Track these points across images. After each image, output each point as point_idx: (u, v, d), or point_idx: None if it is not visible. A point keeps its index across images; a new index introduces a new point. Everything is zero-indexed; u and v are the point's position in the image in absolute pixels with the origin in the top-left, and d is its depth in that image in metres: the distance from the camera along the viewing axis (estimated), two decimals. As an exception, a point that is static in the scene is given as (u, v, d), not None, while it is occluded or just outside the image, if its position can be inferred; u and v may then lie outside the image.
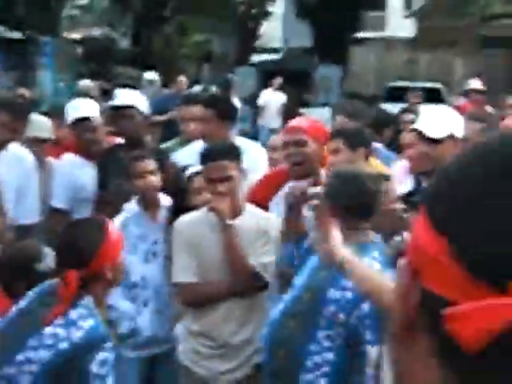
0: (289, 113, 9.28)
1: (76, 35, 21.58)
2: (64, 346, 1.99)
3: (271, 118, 11.61)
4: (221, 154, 2.79)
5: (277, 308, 2.38)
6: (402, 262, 0.56)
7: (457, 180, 0.54)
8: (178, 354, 2.92)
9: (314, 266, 2.33)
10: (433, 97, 10.88)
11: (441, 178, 0.55)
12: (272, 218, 2.90)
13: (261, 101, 12.25)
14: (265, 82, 13.17)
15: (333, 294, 2.23)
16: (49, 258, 2.58)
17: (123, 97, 3.65)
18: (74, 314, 2.04)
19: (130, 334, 3.04)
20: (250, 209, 2.88)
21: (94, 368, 1.98)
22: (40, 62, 14.86)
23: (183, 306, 2.94)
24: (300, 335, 2.24)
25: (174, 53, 20.59)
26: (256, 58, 19.82)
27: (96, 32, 22.91)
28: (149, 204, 3.12)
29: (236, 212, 2.82)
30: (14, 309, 2.18)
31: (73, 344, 1.99)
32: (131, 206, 3.13)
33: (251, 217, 2.83)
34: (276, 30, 23.69)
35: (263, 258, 2.77)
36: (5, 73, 12.54)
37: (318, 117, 4.36)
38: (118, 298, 2.90)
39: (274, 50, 21.37)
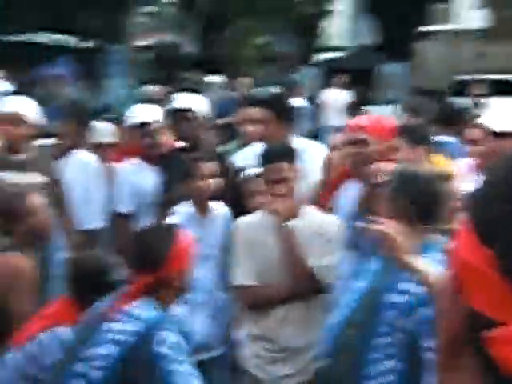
0: (354, 111, 9.16)
1: (145, 42, 22.09)
2: (129, 339, 2.03)
3: (335, 117, 11.48)
4: (278, 155, 2.77)
5: (336, 312, 2.32)
6: (446, 273, 0.52)
7: (506, 194, 0.50)
8: (238, 358, 2.90)
9: (375, 268, 2.26)
10: (505, 90, 10.49)
11: (489, 191, 0.51)
12: (331, 219, 2.85)
13: (324, 100, 12.14)
14: (329, 80, 13.05)
15: (392, 298, 2.16)
16: (119, 267, 2.62)
17: (182, 100, 3.69)
18: (136, 309, 2.08)
19: (187, 338, 3.04)
20: (309, 210, 2.84)
21: (159, 348, 2.01)
22: (109, 70, 15.26)
23: (243, 310, 2.92)
24: (361, 342, 2.18)
25: (239, 56, 20.74)
26: (320, 57, 19.72)
27: (164, 38, 23.38)
28: (203, 206, 3.12)
29: (294, 213, 2.78)
30: (84, 317, 2.23)
31: (137, 336, 2.03)
32: (184, 209, 3.14)
33: (309, 218, 2.79)
34: (341, 27, 23.51)
35: (322, 259, 2.72)
36: (74, 82, 12.93)
37: (382, 114, 4.26)
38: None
39: (339, 49, 21.18)
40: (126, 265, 2.23)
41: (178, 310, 2.98)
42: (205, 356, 3.08)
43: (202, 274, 3.03)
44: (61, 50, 14.51)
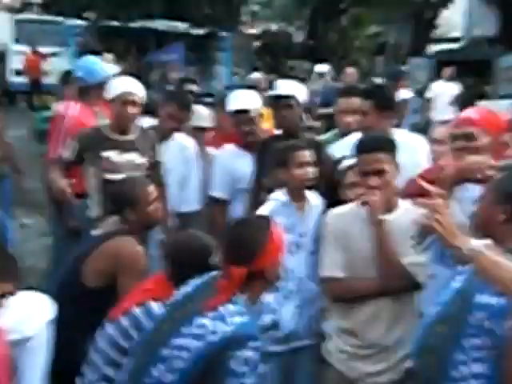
0: (464, 104, 8.77)
1: (255, 30, 22.28)
2: (213, 338, 2.03)
3: (442, 110, 11.06)
4: (375, 146, 2.67)
5: (430, 311, 2.22)
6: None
7: None
8: (323, 351, 2.85)
9: (470, 268, 2.13)
10: None
11: None
12: None
13: (431, 92, 11.71)
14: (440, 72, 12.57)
15: (482, 299, 2.04)
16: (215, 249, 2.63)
17: (283, 87, 3.64)
18: (224, 309, 2.08)
19: (271, 327, 3.02)
20: (404, 205, 2.73)
21: (233, 364, 2.00)
22: (218, 57, 15.50)
23: (330, 302, 2.86)
24: (448, 342, 2.08)
25: (348, 45, 20.44)
26: (433, 48, 19.05)
27: (273, 27, 23.45)
28: (298, 195, 3.08)
29: (389, 207, 2.69)
30: (178, 293, 2.26)
31: (221, 338, 2.03)
32: (279, 196, 3.10)
33: (405, 213, 2.68)
34: (457, 18, 22.60)
35: (416, 256, 2.61)
36: (185, 67, 13.23)
37: (496, 109, 4.03)
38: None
39: (454, 40, 20.38)
40: (220, 255, 2.23)
41: (269, 297, 2.99)
42: (294, 346, 3.06)
43: (294, 263, 3.00)
44: (174, 36, 14.89)
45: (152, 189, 3.05)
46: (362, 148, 2.70)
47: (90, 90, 4.16)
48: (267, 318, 3.01)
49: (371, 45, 21.04)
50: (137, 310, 2.54)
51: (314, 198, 3.11)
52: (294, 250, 3.03)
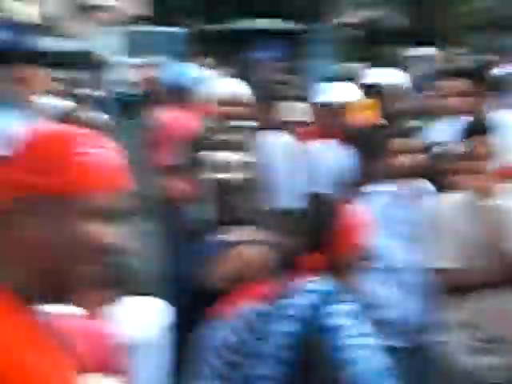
0: None
1: (350, 19, 21.91)
2: (304, 313, 2.00)
3: None
4: (472, 131, 2.56)
5: None
6: None
7: None
8: (442, 345, 2.75)
9: None
10: None
11: None
12: None
13: None
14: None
15: None
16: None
17: (372, 75, 3.57)
18: (310, 284, 2.04)
19: (394, 322, 2.94)
20: (509, 188, 2.59)
21: (335, 320, 1.94)
22: (314, 51, 15.38)
23: (447, 294, 2.76)
24: None
25: (455, 24, 19.61)
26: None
27: (370, 14, 22.96)
28: (404, 184, 2.99)
29: (492, 192, 2.55)
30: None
31: (312, 309, 1.99)
32: (385, 187, 3.03)
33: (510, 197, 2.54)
34: None
35: None
36: (282, 64, 13.23)
37: None
38: (380, 284, 2.82)
39: None
40: (300, 242, 2.18)
41: (391, 291, 2.93)
42: (414, 341, 2.98)
43: (413, 255, 2.93)
44: (275, 34, 14.97)
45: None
46: (471, 130, 2.59)
47: (183, 95, 4.24)
48: (388, 313, 2.93)
49: (481, 20, 20.06)
50: (245, 310, 2.55)
51: (422, 185, 3.02)
52: (413, 241, 2.96)
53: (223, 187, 3.46)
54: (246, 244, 2.85)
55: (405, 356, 2.96)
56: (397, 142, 2.98)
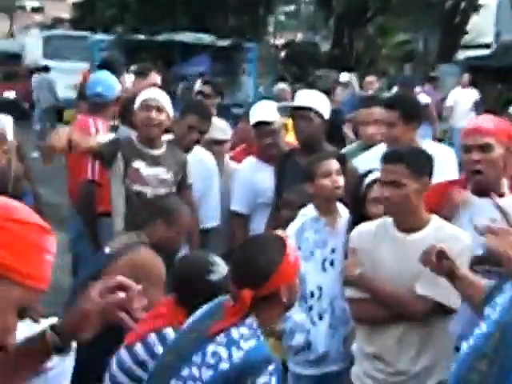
0: (486, 111, 8.60)
1: (281, 40, 22.25)
2: (224, 366, 1.91)
3: (462, 118, 11.01)
4: (394, 157, 2.52)
5: (467, 343, 2.02)
6: None
7: None
8: (351, 375, 2.72)
9: (509, 296, 1.98)
10: None
11: None
12: (460, 234, 2.54)
13: (449, 100, 11.65)
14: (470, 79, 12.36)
15: None
16: (221, 267, 2.55)
17: (303, 98, 3.53)
18: (235, 333, 1.95)
19: (303, 348, 2.90)
20: (436, 221, 2.58)
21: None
22: (244, 68, 15.46)
23: (356, 324, 2.74)
24: (495, 378, 1.89)
25: (375, 54, 20.25)
26: (463, 54, 18.77)
27: (299, 36, 23.41)
28: (328, 209, 2.97)
29: (419, 222, 2.55)
30: (187, 323, 2.16)
31: (233, 365, 1.90)
32: (308, 211, 3.00)
33: (435, 231, 2.54)
34: (488, 23, 22.28)
35: (442, 278, 2.47)
36: (211, 79, 13.19)
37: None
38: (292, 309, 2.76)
39: (484, 46, 20.05)
40: (231, 275, 2.09)
41: (301, 317, 2.88)
42: (326, 369, 2.93)
43: (327, 280, 2.90)
44: (199, 48, 14.91)
45: (189, 217, 2.95)
46: (384, 158, 2.56)
47: (106, 106, 4.09)
48: (299, 339, 2.89)
49: (399, 53, 20.82)
50: (152, 337, 2.44)
51: (343, 211, 3.00)
52: (328, 266, 2.92)
53: (136, 200, 3.35)
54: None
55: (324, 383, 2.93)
56: (321, 164, 2.95)
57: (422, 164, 2.53)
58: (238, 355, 1.91)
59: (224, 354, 1.92)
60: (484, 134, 2.63)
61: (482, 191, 2.66)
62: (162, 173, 3.49)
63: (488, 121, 2.70)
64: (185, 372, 1.96)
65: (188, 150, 3.71)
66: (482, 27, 21.91)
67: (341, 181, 2.95)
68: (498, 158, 2.64)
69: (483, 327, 1.98)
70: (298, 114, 3.46)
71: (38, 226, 1.27)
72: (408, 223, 2.54)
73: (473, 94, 11.71)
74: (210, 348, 1.94)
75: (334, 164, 2.97)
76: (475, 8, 20.74)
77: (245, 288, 1.96)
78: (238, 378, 1.89)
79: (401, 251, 2.54)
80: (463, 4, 20.34)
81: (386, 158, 2.55)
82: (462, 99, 11.63)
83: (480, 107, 11.01)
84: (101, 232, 3.74)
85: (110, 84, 4.19)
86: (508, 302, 1.95)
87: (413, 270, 2.49)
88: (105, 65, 4.87)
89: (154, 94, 3.56)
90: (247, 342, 1.93)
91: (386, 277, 2.55)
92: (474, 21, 21.27)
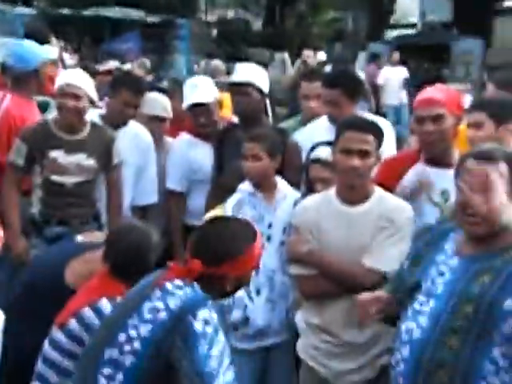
0: (419, 86, 8.80)
1: (211, 17, 21.98)
2: (162, 315, 1.89)
3: (392, 95, 11.26)
4: (366, 126, 2.49)
5: (415, 323, 1.99)
6: None
7: None
8: (296, 347, 2.71)
9: (463, 270, 1.96)
10: None
11: None
12: (404, 206, 2.56)
13: (380, 79, 11.88)
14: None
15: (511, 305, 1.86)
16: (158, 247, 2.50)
17: (241, 73, 3.43)
18: (169, 285, 1.95)
19: (242, 324, 2.87)
20: (380, 193, 2.58)
21: (198, 326, 1.86)
22: (176, 45, 15.20)
23: (302, 298, 2.72)
24: (470, 353, 1.88)
25: (306, 32, 20.33)
26: (391, 34, 19.10)
27: (230, 14, 23.20)
28: (265, 185, 2.92)
29: (364, 195, 2.54)
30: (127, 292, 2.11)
31: (171, 312, 1.89)
32: (245, 186, 2.94)
33: (379, 203, 2.54)
34: (413, 4, 22.82)
35: (388, 249, 2.47)
36: (142, 56, 12.91)
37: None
38: None
39: (411, 26, 20.48)
40: (189, 247, 2.04)
41: (239, 292, 2.83)
42: (266, 343, 2.92)
43: (264, 255, 2.83)
44: (130, 24, 14.56)
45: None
46: (350, 126, 2.50)
47: (25, 80, 3.74)
48: (237, 314, 2.86)
49: (329, 31, 20.99)
50: (86, 312, 2.35)
51: (285, 187, 2.97)
52: (264, 241, 2.88)
53: (57, 190, 3.22)
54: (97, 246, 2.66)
55: (257, 359, 2.91)
56: (246, 145, 2.90)
57: (380, 136, 2.52)
58: (174, 303, 1.90)
59: (161, 306, 1.91)
60: (436, 105, 2.63)
61: (435, 161, 2.68)
62: (83, 159, 3.34)
63: (439, 91, 2.70)
64: (121, 337, 1.91)
65: (119, 126, 3.57)
66: (407, 8, 22.39)
67: (251, 166, 2.89)
68: (449, 128, 2.64)
69: (431, 303, 1.97)
70: (237, 89, 3.37)
71: None
72: (355, 195, 2.53)
73: (402, 72, 11.97)
74: (146, 306, 1.92)
75: (249, 147, 2.90)
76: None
77: (197, 259, 1.95)
78: (177, 323, 1.87)
79: (347, 225, 2.53)
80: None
81: (354, 126, 2.49)
82: (392, 77, 11.87)
83: (409, 84, 11.30)
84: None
85: (21, 55, 3.77)
86: (463, 276, 1.94)
87: (360, 243, 2.50)
88: (27, 36, 4.53)
89: (70, 79, 3.36)
90: (182, 290, 1.93)
91: (333, 251, 2.54)
92: (400, 1, 21.70)
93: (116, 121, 3.56)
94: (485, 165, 1.90)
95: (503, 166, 1.90)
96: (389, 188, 2.66)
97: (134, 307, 1.94)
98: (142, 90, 3.65)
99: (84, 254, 2.69)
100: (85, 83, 3.37)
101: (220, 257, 1.97)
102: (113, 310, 2.14)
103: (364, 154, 2.46)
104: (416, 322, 1.99)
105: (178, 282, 1.95)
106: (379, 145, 2.52)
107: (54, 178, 3.30)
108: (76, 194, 3.35)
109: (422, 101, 2.68)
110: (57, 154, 3.31)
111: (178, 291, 1.92)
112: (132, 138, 3.59)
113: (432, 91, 2.72)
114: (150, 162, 3.69)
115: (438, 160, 2.67)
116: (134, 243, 2.46)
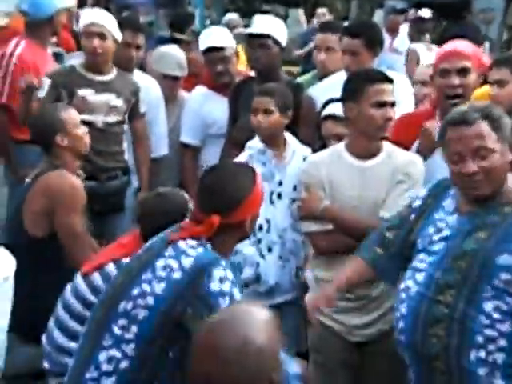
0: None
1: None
2: (177, 275, 1.88)
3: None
4: (383, 76, 2.47)
5: (412, 280, 2.00)
6: None
7: None
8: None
9: (461, 227, 1.95)
10: None
11: None
12: (416, 160, 2.54)
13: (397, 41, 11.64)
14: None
15: (505, 259, 1.86)
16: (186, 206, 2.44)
17: (260, 24, 3.34)
18: (183, 244, 1.92)
19: (253, 281, 2.87)
20: (388, 147, 2.54)
21: (215, 286, 1.84)
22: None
23: (315, 254, 2.70)
24: (464, 308, 1.88)
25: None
26: (409, -10, 18.67)
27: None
28: (274, 141, 2.88)
29: (376, 148, 2.50)
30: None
31: (185, 271, 1.87)
32: (254, 143, 2.90)
33: (389, 156, 2.51)
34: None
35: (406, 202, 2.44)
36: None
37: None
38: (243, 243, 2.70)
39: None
40: (193, 201, 2.01)
41: (250, 250, 2.84)
42: (277, 300, 2.90)
43: (275, 213, 2.83)
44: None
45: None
46: (376, 78, 2.46)
47: (39, 27, 3.72)
48: (249, 272, 2.85)
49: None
50: (110, 267, 2.36)
51: (295, 144, 2.92)
52: (275, 199, 2.86)
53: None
54: None
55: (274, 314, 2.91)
56: (256, 99, 2.84)
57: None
58: (188, 262, 1.88)
59: (175, 265, 1.89)
60: (462, 58, 2.57)
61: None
62: (113, 99, 3.32)
63: (465, 45, 2.63)
64: (135, 291, 1.91)
65: (129, 70, 3.52)
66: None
67: (261, 121, 2.84)
68: (473, 84, 2.59)
69: (428, 259, 1.97)
70: (256, 41, 3.27)
71: None
72: (366, 149, 2.50)
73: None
74: (160, 262, 1.91)
75: (260, 101, 2.84)
76: None
77: (213, 214, 1.91)
78: (191, 282, 1.86)
79: (360, 179, 2.50)
80: None
81: (379, 77, 2.48)
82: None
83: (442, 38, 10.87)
84: (30, 160, 3.52)
85: (36, 2, 3.72)
86: (458, 232, 1.94)
87: (374, 196, 2.48)
88: None
89: (95, 17, 3.32)
90: (195, 249, 1.91)
91: (347, 205, 2.51)
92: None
93: (118, 65, 3.47)
94: (466, 129, 1.87)
95: (484, 125, 1.87)
96: (405, 144, 2.61)
97: (147, 262, 1.93)
98: (141, 27, 3.58)
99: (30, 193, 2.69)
100: (109, 22, 3.33)
101: (235, 202, 1.93)
102: (128, 263, 2.12)
103: (391, 106, 2.46)
104: (413, 279, 2.00)
105: (191, 241, 1.92)
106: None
107: (84, 116, 3.19)
108: (105, 138, 3.30)
109: (447, 53, 2.60)
110: (86, 92, 3.29)
111: (191, 251, 1.90)
112: (143, 92, 3.54)
113: (457, 44, 2.64)
114: (161, 114, 3.65)
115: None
116: (167, 215, 2.35)
